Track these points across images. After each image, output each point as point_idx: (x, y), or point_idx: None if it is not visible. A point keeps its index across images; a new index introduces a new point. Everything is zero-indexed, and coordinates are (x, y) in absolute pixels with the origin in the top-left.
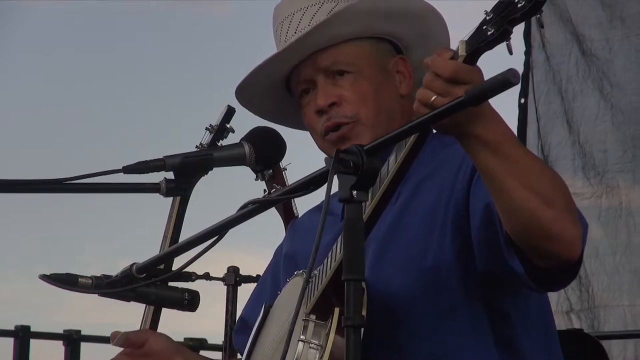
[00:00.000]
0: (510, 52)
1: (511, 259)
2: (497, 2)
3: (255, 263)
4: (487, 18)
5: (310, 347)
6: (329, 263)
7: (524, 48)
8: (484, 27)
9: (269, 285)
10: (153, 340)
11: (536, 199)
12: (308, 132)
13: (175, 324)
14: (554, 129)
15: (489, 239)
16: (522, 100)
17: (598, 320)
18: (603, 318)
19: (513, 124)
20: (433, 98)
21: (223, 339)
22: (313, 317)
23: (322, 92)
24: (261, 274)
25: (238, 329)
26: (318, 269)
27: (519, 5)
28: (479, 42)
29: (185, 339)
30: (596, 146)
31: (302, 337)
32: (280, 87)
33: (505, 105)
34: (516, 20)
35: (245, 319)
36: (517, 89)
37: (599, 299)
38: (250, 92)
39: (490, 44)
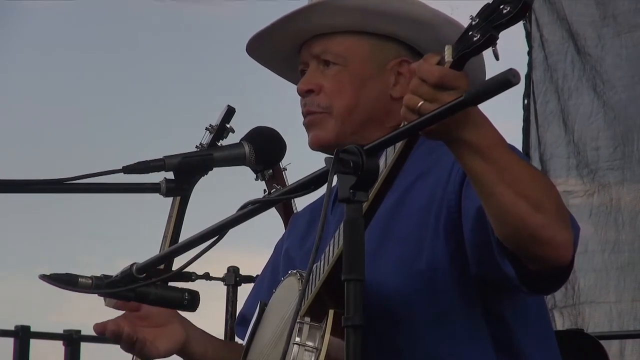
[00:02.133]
0: (497, 58)
1: (503, 262)
2: (482, 7)
3: (255, 263)
4: (473, 23)
5: (305, 350)
6: (322, 265)
7: (526, 48)
8: (470, 33)
9: (267, 281)
10: None
11: (526, 204)
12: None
13: None
14: (549, 128)
15: (481, 243)
16: (526, 101)
17: (582, 317)
18: (588, 315)
19: (517, 125)
20: (420, 104)
21: (223, 339)
22: (307, 319)
23: (307, 77)
24: (254, 284)
25: (239, 323)
26: (312, 269)
27: (504, 11)
28: (465, 48)
29: None
30: (589, 144)
31: (297, 339)
32: (293, 54)
33: (509, 106)
34: (502, 25)
35: (246, 315)
36: (521, 89)
37: (585, 295)
38: (263, 53)
39: (477, 49)
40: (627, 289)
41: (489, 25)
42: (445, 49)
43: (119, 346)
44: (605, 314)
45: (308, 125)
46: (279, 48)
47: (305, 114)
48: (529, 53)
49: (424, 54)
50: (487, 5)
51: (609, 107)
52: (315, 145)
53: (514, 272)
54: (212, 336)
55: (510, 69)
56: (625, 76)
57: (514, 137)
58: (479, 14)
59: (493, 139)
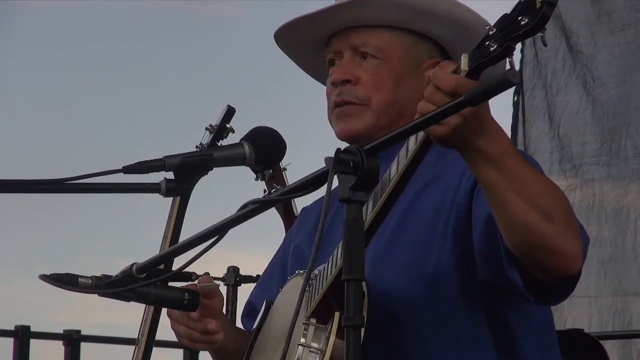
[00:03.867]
0: (512, 68)
1: (511, 271)
2: (500, 17)
3: (255, 263)
4: (490, 33)
5: (310, 351)
6: (329, 267)
7: (520, 45)
8: (487, 43)
9: (278, 271)
10: (218, 299)
11: (536, 213)
12: (307, 132)
13: None
14: (535, 123)
15: (489, 250)
16: (516, 98)
17: (560, 311)
18: (567, 308)
19: (505, 122)
20: None
21: (238, 327)
22: (313, 320)
23: (343, 67)
24: (261, 274)
25: (246, 314)
26: (319, 269)
27: (522, 22)
28: (482, 58)
29: None
30: (575, 139)
31: (302, 340)
32: (320, 46)
33: (500, 103)
34: (519, 37)
35: (253, 304)
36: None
37: None
38: (290, 40)
39: (493, 59)
40: (608, 283)
41: (506, 36)
42: (462, 57)
43: (118, 346)
44: (584, 308)
45: (340, 115)
46: (311, 35)
47: (340, 104)
48: (522, 50)
49: (454, 56)
50: (505, 16)
51: (598, 104)
52: (346, 136)
53: (521, 281)
54: (232, 326)
55: (510, 69)
56: (617, 73)
57: None
58: (496, 24)
59: (506, 147)
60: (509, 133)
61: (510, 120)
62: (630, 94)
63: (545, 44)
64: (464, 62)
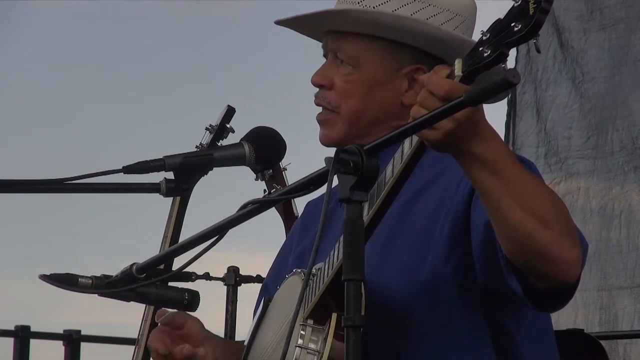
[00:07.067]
0: (513, 69)
1: (510, 279)
2: (493, 22)
3: (255, 263)
4: (484, 38)
5: (307, 353)
6: (326, 268)
7: None
8: (481, 49)
9: (292, 258)
10: (190, 323)
11: (533, 220)
12: (307, 132)
13: None
14: (523, 118)
15: (489, 257)
16: (510, 96)
17: None
18: None
19: (497, 120)
20: None
21: (232, 343)
22: (310, 322)
23: (321, 70)
24: (261, 274)
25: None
26: (316, 268)
27: (516, 29)
28: (475, 63)
29: None
30: (561, 133)
31: (299, 342)
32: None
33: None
34: (512, 43)
35: (268, 286)
36: None
37: None
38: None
39: (487, 65)
40: (593, 278)
41: (499, 42)
42: (455, 62)
43: (118, 346)
44: (569, 303)
45: (320, 122)
46: (305, 32)
47: (317, 105)
48: (517, 49)
49: (441, 61)
50: (498, 21)
51: (586, 98)
52: (324, 143)
53: (520, 289)
54: (221, 341)
55: (511, 69)
56: (606, 67)
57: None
58: (490, 30)
59: (501, 152)
60: (502, 130)
61: (505, 118)
62: (618, 88)
63: (538, 51)
64: (458, 67)
